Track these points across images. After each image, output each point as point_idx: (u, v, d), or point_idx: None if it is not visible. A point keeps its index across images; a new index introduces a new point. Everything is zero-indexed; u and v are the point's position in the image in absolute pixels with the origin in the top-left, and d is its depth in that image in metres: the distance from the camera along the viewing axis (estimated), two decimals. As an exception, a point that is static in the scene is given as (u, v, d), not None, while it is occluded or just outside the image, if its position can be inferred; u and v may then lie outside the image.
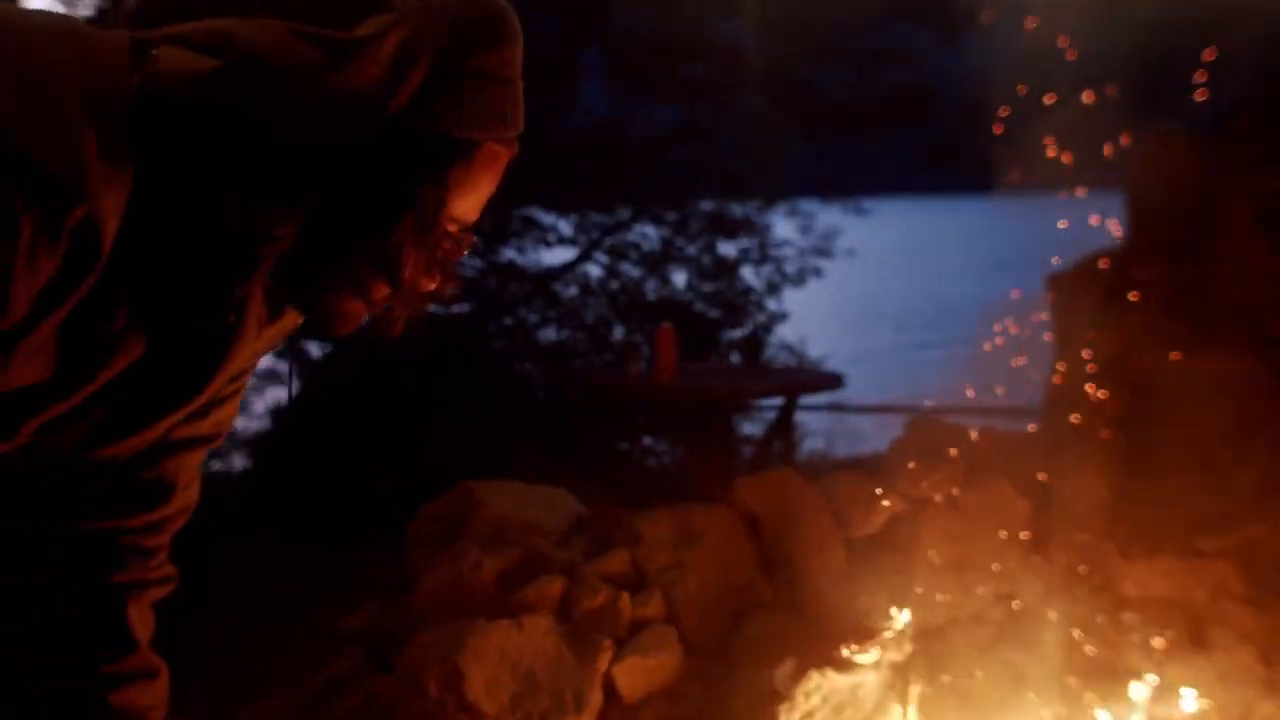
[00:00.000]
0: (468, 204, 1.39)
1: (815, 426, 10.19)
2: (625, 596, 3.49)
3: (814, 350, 10.39)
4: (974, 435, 4.13)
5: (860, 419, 11.16)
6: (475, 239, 1.44)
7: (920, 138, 11.79)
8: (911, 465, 3.83)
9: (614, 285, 10.89)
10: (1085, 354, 3.82)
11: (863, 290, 21.31)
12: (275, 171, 1.26)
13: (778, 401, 7.81)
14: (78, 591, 1.49)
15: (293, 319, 1.49)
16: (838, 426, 10.68)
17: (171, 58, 1.24)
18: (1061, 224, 4.60)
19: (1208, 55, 4.33)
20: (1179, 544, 3.17)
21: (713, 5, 10.45)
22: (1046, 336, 4.31)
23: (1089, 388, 3.63)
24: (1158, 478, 3.32)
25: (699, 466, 7.15)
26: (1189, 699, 3.08)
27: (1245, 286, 3.37)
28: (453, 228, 1.39)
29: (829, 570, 3.79)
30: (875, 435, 10.68)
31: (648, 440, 9.89)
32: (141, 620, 1.54)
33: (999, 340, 4.53)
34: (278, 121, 1.24)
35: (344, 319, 1.41)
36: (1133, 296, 3.62)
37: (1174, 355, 3.37)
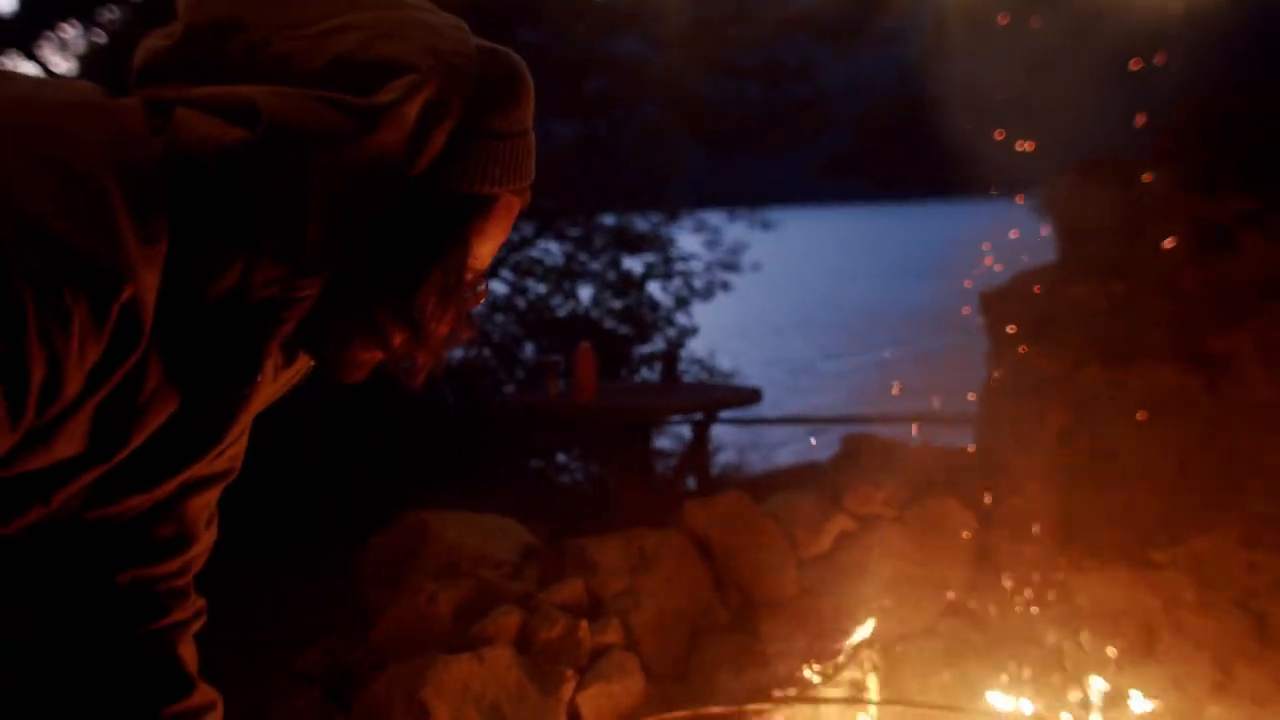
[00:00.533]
0: (483, 253, 1.40)
1: (726, 440, 10.28)
2: (584, 625, 3.48)
3: (723, 364, 10.47)
4: (915, 451, 4.21)
5: (768, 431, 11.27)
6: (489, 286, 1.47)
7: (818, 149, 11.98)
8: (864, 484, 3.88)
9: (521, 303, 10.87)
10: (1022, 370, 3.90)
11: (768, 302, 21.55)
12: (309, 240, 1.25)
13: (690, 417, 7.87)
14: (129, 643, 1.50)
15: (306, 361, 1.50)
16: (748, 440, 10.78)
17: (192, 123, 1.22)
18: (986, 247, 4.71)
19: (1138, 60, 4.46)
20: (1130, 555, 3.26)
21: (611, 21, 10.49)
22: (981, 352, 4.40)
23: (1030, 404, 3.71)
24: (1105, 491, 3.41)
25: (624, 485, 7.16)
26: (1138, 700, 3.16)
27: (1178, 303, 3.48)
28: (469, 276, 1.40)
29: (783, 591, 3.83)
30: (787, 447, 10.82)
31: (561, 458, 9.89)
32: (190, 656, 1.57)
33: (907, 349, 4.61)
34: (312, 191, 1.23)
35: (358, 368, 1.42)
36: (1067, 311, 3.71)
37: (1114, 370, 3.46)
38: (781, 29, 10.62)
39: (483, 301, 1.46)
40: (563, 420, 7.47)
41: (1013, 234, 4.49)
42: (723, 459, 9.85)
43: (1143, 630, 3.23)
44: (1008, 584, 3.64)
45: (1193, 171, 3.52)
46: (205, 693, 1.56)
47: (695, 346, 10.24)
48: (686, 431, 9.09)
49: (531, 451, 9.58)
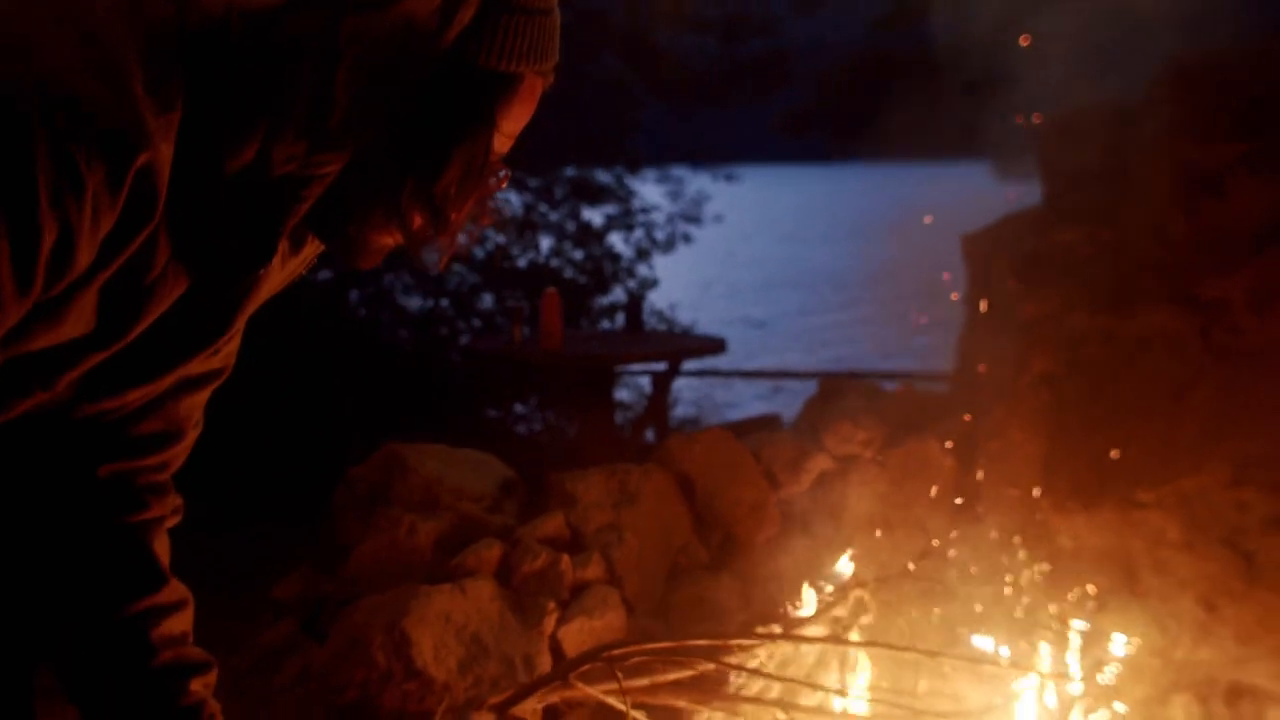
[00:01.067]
0: (506, 136, 1.37)
1: (682, 394, 10.27)
2: (566, 558, 3.45)
3: (683, 318, 10.44)
4: (893, 394, 4.20)
5: (724, 387, 11.29)
6: (510, 172, 1.42)
7: (779, 105, 11.95)
8: (844, 423, 3.87)
9: (478, 252, 10.77)
10: (1005, 314, 3.90)
11: (728, 259, 21.58)
12: (335, 111, 1.22)
13: (652, 367, 7.84)
14: (104, 534, 1.47)
15: (314, 248, 1.47)
16: (703, 394, 10.79)
17: None
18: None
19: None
20: (1116, 496, 3.27)
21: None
22: (953, 296, 4.39)
23: (1016, 346, 3.70)
24: (1090, 434, 3.42)
25: (585, 435, 7.13)
26: (1119, 644, 3.18)
27: (1165, 248, 3.48)
28: (492, 159, 1.37)
29: (763, 529, 3.82)
30: (743, 402, 10.84)
31: (519, 408, 9.84)
32: (164, 551, 1.54)
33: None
34: (340, 58, 1.20)
35: (373, 252, 1.39)
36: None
37: (1102, 315, 3.46)
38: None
39: (504, 187, 1.43)
40: (528, 366, 7.41)
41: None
42: (680, 413, 9.86)
43: (1125, 570, 3.24)
44: (988, 526, 3.64)
45: (1183, 118, 3.51)
46: (177, 589, 1.54)
47: (655, 299, 10.20)
48: (645, 384, 9.08)
49: (488, 401, 9.53)
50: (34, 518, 1.45)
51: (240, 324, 1.47)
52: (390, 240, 1.37)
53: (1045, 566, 3.42)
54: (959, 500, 3.77)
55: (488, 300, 10.44)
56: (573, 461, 3.97)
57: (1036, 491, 3.37)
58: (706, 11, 10.74)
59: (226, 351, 1.52)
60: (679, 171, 10.77)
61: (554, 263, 10.50)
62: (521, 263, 10.48)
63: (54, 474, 1.44)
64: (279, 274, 1.45)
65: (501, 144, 1.36)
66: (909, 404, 4.06)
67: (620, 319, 10.01)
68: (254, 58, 1.18)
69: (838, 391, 4.27)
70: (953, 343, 4.39)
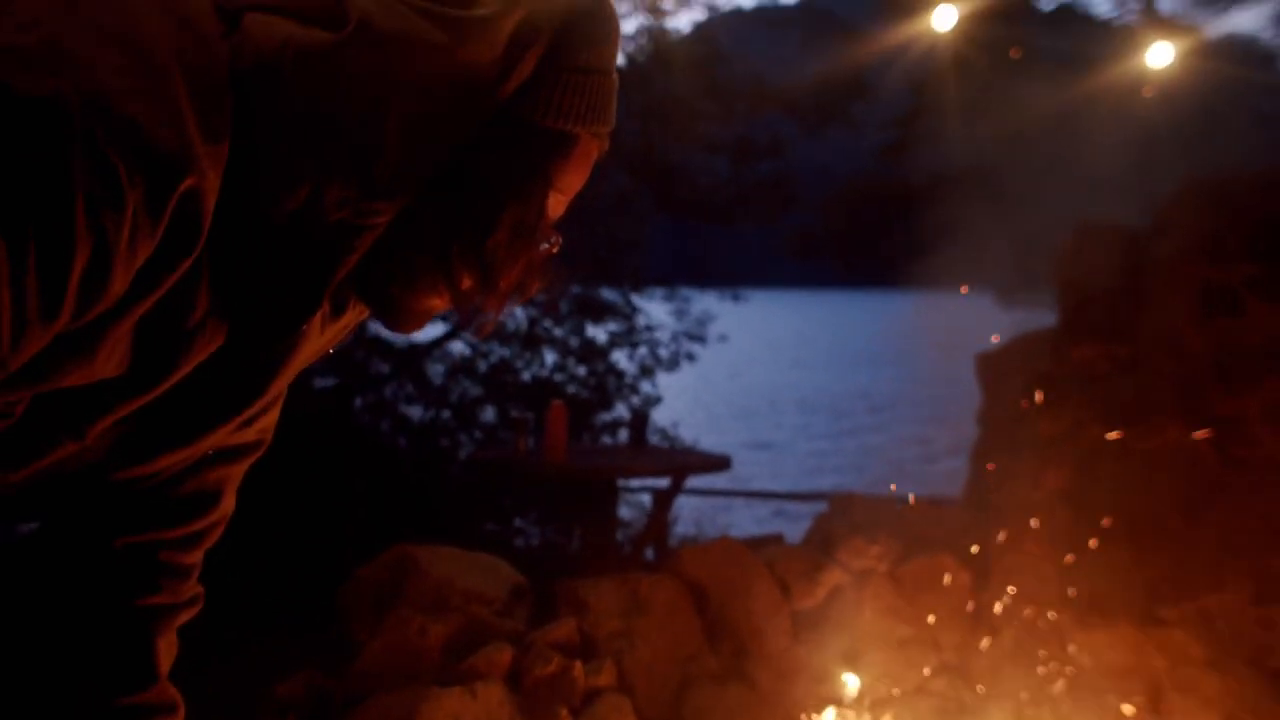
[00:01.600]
0: (559, 199, 1.32)
1: (682, 512, 10.22)
2: (578, 665, 3.40)
3: (685, 435, 10.44)
4: (905, 509, 4.18)
5: (724, 506, 11.24)
6: (561, 239, 1.36)
7: (786, 230, 12.08)
8: (857, 538, 3.85)
9: (482, 365, 10.81)
10: (1019, 431, 3.90)
11: (731, 379, 21.65)
12: (388, 156, 1.16)
13: (653, 484, 7.80)
14: (106, 614, 1.37)
15: (354, 315, 1.40)
16: (704, 513, 10.74)
17: (268, 26, 1.15)
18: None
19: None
20: (1136, 613, 3.23)
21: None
22: (973, 416, 4.40)
23: (1031, 462, 3.70)
24: (1109, 550, 3.40)
25: (587, 550, 7.08)
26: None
27: (1183, 364, 3.50)
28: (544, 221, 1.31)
29: (776, 641, 3.77)
30: (742, 524, 10.79)
31: (518, 522, 9.78)
32: (167, 650, 1.43)
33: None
34: (397, 102, 1.14)
35: (418, 316, 1.32)
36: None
37: (1117, 433, 3.46)
38: (754, 107, 10.75)
39: (555, 252, 1.35)
40: (532, 478, 7.37)
41: (994, 338, 4.49)
42: (680, 531, 9.80)
43: (1149, 689, 3.20)
44: (1004, 641, 3.60)
45: (1197, 239, 3.56)
46: (166, 692, 1.42)
47: (657, 417, 10.21)
48: (646, 501, 9.03)
49: (487, 513, 9.47)
50: (40, 586, 1.36)
51: (277, 391, 1.40)
52: (436, 303, 1.30)
53: (1066, 685, 3.38)
54: (974, 617, 3.73)
55: (490, 413, 10.44)
56: (574, 575, 3.93)
57: (1052, 614, 3.34)
58: (716, 133, 10.92)
59: (263, 426, 1.45)
60: (685, 291, 10.85)
61: (557, 377, 10.53)
62: (525, 376, 10.51)
63: (68, 541, 1.36)
64: (317, 339, 1.38)
65: (555, 206, 1.31)
66: (922, 519, 4.04)
67: (622, 435, 10.01)
68: (307, 98, 1.14)
69: (849, 507, 4.25)
70: (959, 469, 4.40)
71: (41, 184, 0.98)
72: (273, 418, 1.47)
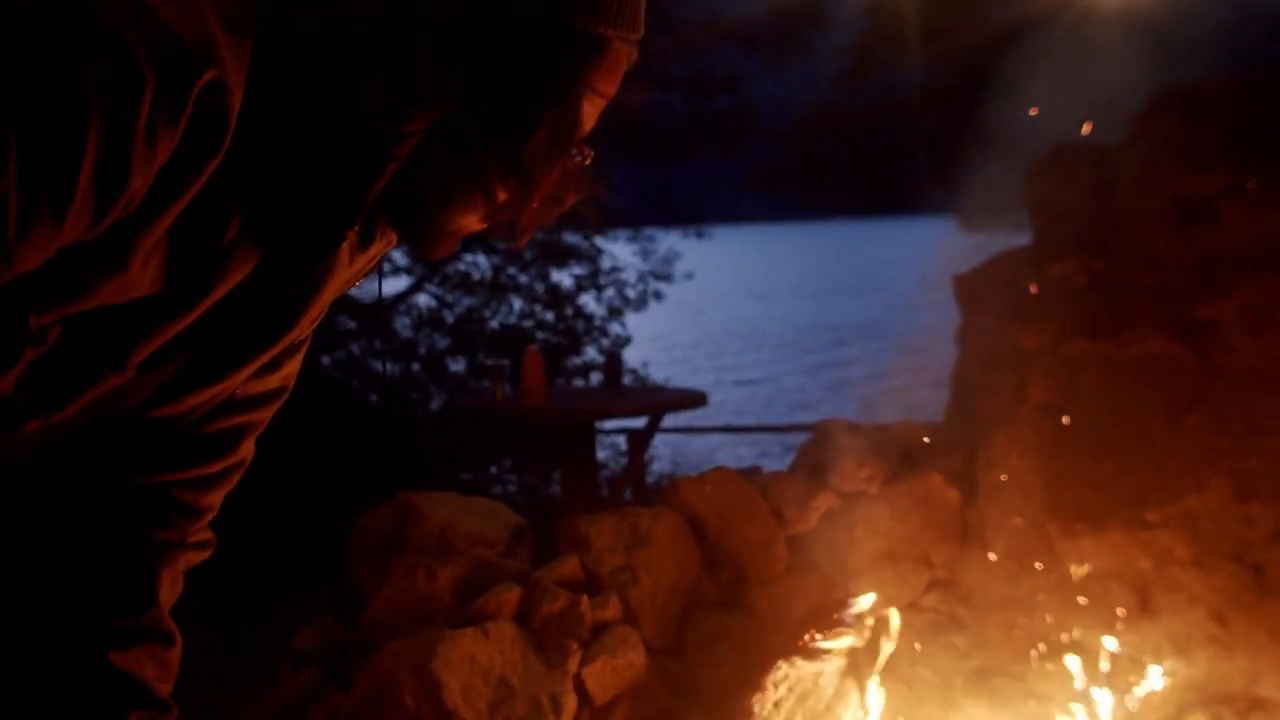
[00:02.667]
0: (593, 107, 1.28)
1: (657, 450, 10.30)
2: (585, 600, 3.47)
3: (656, 375, 10.51)
4: (892, 429, 4.27)
5: (698, 442, 11.33)
6: (593, 151, 1.32)
7: (746, 164, 12.10)
8: (848, 460, 3.93)
9: (448, 316, 10.81)
10: (999, 347, 3.98)
11: (699, 315, 21.65)
12: (425, 60, 1.13)
13: (628, 425, 7.86)
14: (112, 540, 1.35)
15: (383, 245, 1.36)
16: (679, 449, 10.83)
17: None
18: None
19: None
20: (1122, 518, 3.34)
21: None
22: (952, 334, 4.47)
23: (1013, 378, 3.78)
24: (1094, 458, 3.49)
25: (568, 494, 7.15)
26: (1154, 674, 3.23)
27: (1160, 274, 3.58)
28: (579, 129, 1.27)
29: (772, 567, 3.85)
30: (717, 459, 10.89)
31: (494, 469, 9.84)
32: (170, 584, 1.40)
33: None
34: (436, 3, 1.12)
35: (449, 236, 1.28)
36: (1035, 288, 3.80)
37: (1098, 342, 3.55)
38: (709, 40, 10.73)
39: (588, 163, 1.32)
40: (512, 424, 7.41)
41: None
42: (657, 469, 9.89)
43: (1138, 590, 3.31)
44: (994, 555, 3.70)
45: (1168, 150, 3.63)
46: (161, 619, 1.38)
47: (628, 357, 10.26)
48: (620, 442, 9.10)
49: (463, 464, 9.52)
50: (53, 515, 1.34)
51: (306, 325, 1.36)
52: (469, 221, 1.27)
53: (1055, 593, 3.48)
54: (965, 532, 3.83)
55: (460, 363, 10.47)
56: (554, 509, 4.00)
57: (1040, 519, 3.43)
58: (672, 70, 10.88)
59: (287, 371, 1.43)
60: (649, 230, 10.87)
61: (526, 324, 10.56)
62: (494, 325, 10.53)
63: (88, 476, 1.34)
64: (346, 270, 1.33)
65: (590, 112, 1.27)
66: (909, 439, 4.12)
67: (594, 378, 10.08)
68: (337, 2, 1.11)
69: (835, 433, 4.32)
70: (935, 396, 4.47)
71: (53, 68, 0.93)
72: (296, 364, 1.44)
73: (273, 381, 1.41)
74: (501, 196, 1.24)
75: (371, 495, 4.71)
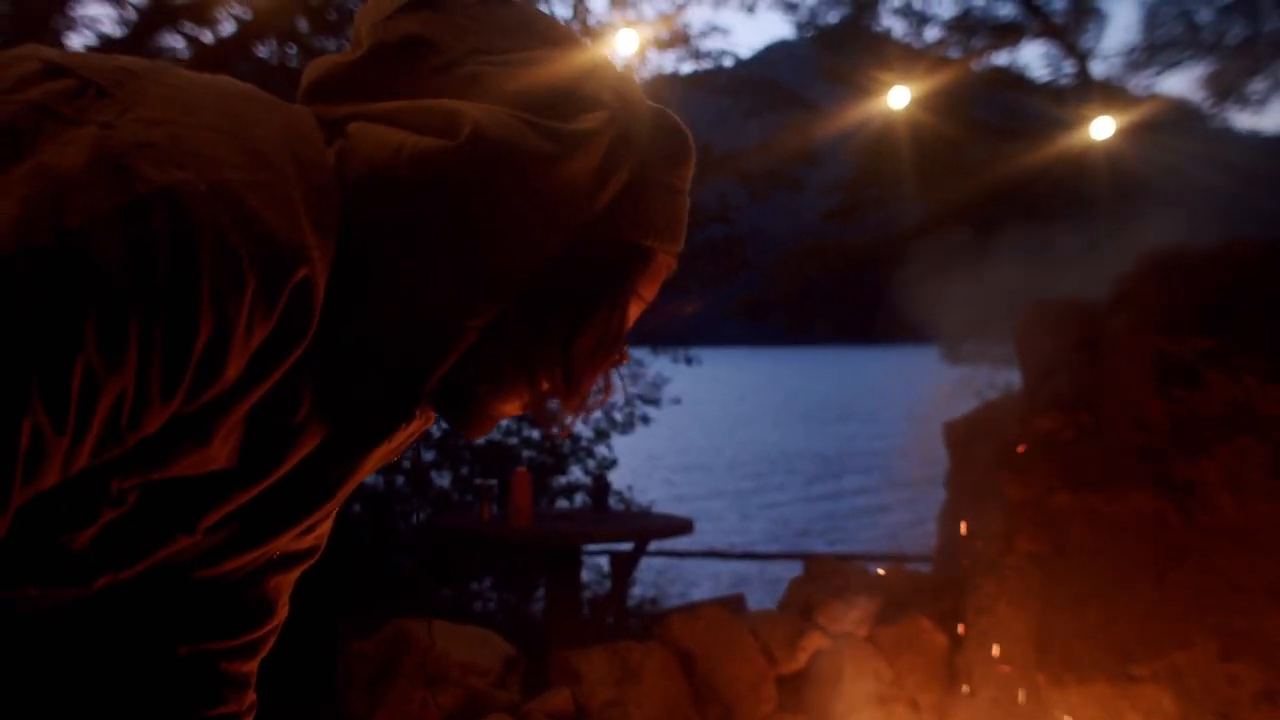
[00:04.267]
0: (633, 312, 1.33)
1: (640, 574, 10.29)
2: (576, 734, 3.50)
3: (641, 498, 10.54)
4: (880, 574, 4.34)
5: (678, 566, 11.32)
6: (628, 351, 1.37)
7: (733, 290, 12.26)
8: (837, 602, 3.99)
9: (435, 431, 10.85)
10: (988, 497, 4.06)
11: (685, 439, 21.66)
12: (491, 261, 1.19)
13: (614, 547, 7.88)
14: None
15: (422, 422, 1.39)
16: (663, 573, 10.82)
17: (379, 134, 1.20)
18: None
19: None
20: (1110, 671, 3.40)
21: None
22: (939, 466, 4.56)
23: (1001, 526, 3.87)
24: (1081, 610, 3.56)
25: (553, 615, 7.14)
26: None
27: (1144, 432, 3.69)
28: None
29: (761, 707, 3.89)
30: (700, 582, 10.89)
31: (475, 586, 9.80)
32: None
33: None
34: (506, 210, 1.18)
35: (491, 420, 1.34)
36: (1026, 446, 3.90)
37: (1084, 496, 3.64)
38: (702, 173, 10.94)
39: (625, 364, 1.38)
40: (498, 545, 7.42)
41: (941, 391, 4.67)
42: (639, 593, 9.88)
43: (1123, 745, 3.36)
44: (982, 701, 3.75)
45: (1152, 312, 3.76)
46: None
47: (613, 478, 10.31)
48: (603, 563, 9.10)
49: (444, 580, 9.48)
50: (104, 697, 1.35)
51: (341, 497, 1.39)
52: (512, 408, 1.32)
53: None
54: (952, 677, 3.88)
55: (445, 478, 10.47)
56: (542, 641, 4.04)
57: (1028, 667, 3.49)
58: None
59: (320, 532, 1.46)
60: (637, 353, 10.98)
61: (511, 441, 10.59)
62: (479, 440, 10.57)
63: (133, 648, 1.35)
64: (386, 445, 1.36)
65: (632, 315, 1.32)
66: (897, 582, 4.19)
67: (579, 498, 10.11)
68: (422, 200, 1.17)
69: (825, 571, 4.40)
70: (918, 524, 4.56)
71: (171, 267, 1.01)
72: (328, 525, 1.48)
73: (306, 541, 1.45)
74: (545, 389, 1.29)
75: (352, 611, 4.74)
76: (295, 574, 1.48)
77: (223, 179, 1.06)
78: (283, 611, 1.49)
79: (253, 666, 1.47)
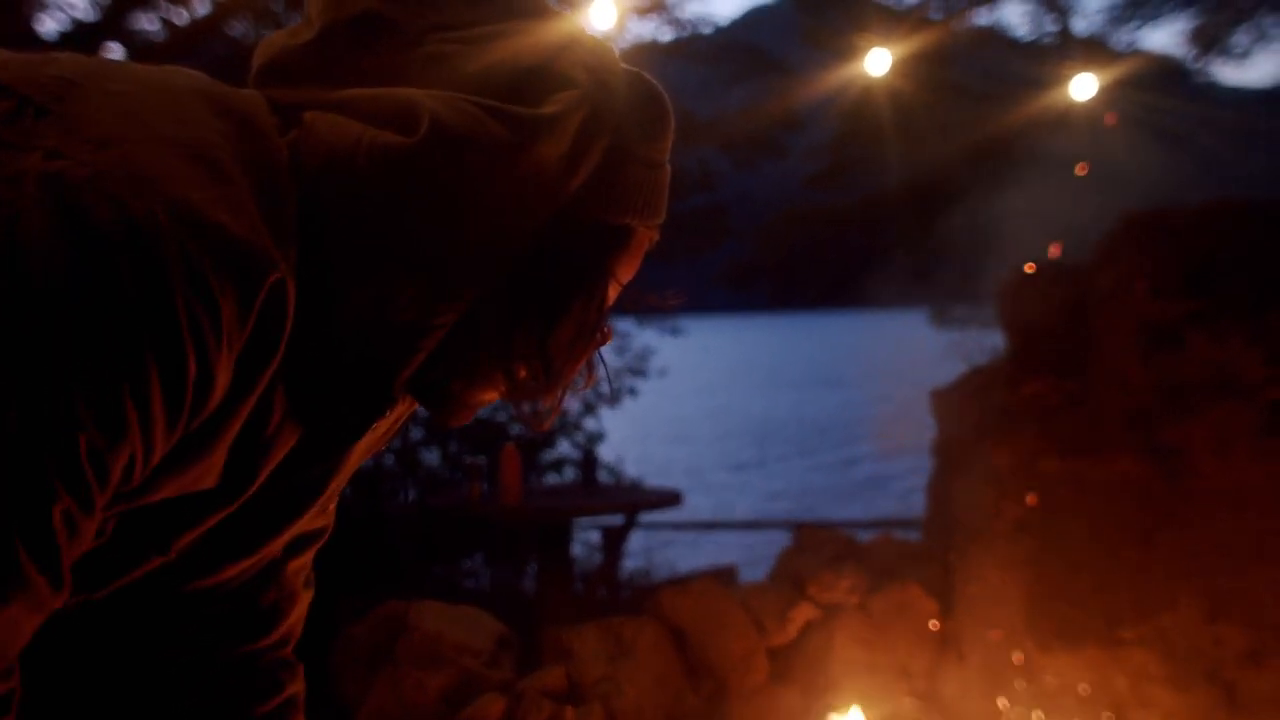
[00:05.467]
0: (613, 291, 1.30)
1: (630, 545, 10.30)
2: (570, 710, 3.51)
3: (630, 470, 10.54)
4: (869, 542, 4.35)
5: (668, 537, 11.35)
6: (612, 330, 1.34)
7: (717, 258, 12.23)
8: (826, 572, 4.00)
9: (422, 409, 10.81)
10: (976, 464, 4.07)
11: (673, 410, 21.61)
12: (457, 257, 1.17)
13: (604, 521, 7.89)
14: None
15: (407, 406, 1.38)
16: (652, 544, 10.84)
17: (336, 125, 1.16)
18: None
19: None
20: (1098, 635, 3.41)
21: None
22: (927, 446, 4.56)
23: (989, 493, 3.87)
24: (1069, 575, 3.58)
25: (545, 591, 7.15)
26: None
27: (1130, 397, 3.69)
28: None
29: (753, 678, 3.90)
30: (691, 553, 10.92)
31: (467, 563, 9.81)
32: None
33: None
34: (470, 202, 1.15)
35: (471, 409, 1.31)
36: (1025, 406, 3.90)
37: (1071, 461, 3.64)
38: (684, 141, 10.90)
39: (608, 343, 1.34)
40: (488, 522, 7.42)
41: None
42: (630, 564, 9.89)
43: (1114, 706, 3.37)
44: (973, 668, 3.76)
45: (1136, 275, 3.76)
46: None
47: (602, 451, 10.30)
48: (595, 536, 9.11)
49: (435, 558, 9.49)
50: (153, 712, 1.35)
51: (335, 489, 1.38)
52: (490, 396, 1.29)
53: (1032, 707, 3.54)
54: (943, 644, 3.89)
55: (434, 456, 10.46)
56: (535, 615, 4.04)
57: (1017, 633, 3.50)
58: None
59: (329, 510, 1.45)
60: (623, 325, 10.95)
61: (500, 417, 10.58)
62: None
63: (173, 667, 1.35)
64: (371, 435, 1.34)
65: (610, 296, 1.29)
66: (887, 551, 4.20)
67: (569, 472, 10.10)
68: (383, 197, 1.14)
69: (814, 541, 4.40)
70: (907, 489, 4.57)
71: (146, 313, 0.99)
72: (335, 501, 1.45)
73: (319, 521, 1.45)
74: (523, 377, 1.26)
75: (345, 593, 4.72)
76: (310, 554, 1.47)
77: (182, 198, 1.03)
78: (308, 593, 1.48)
79: (291, 646, 1.46)
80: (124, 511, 1.13)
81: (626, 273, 1.30)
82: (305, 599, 1.48)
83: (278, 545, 1.38)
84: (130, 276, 1.00)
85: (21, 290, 0.97)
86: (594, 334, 1.28)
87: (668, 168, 1.31)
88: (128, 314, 1.00)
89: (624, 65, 1.27)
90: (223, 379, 1.05)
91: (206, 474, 1.13)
